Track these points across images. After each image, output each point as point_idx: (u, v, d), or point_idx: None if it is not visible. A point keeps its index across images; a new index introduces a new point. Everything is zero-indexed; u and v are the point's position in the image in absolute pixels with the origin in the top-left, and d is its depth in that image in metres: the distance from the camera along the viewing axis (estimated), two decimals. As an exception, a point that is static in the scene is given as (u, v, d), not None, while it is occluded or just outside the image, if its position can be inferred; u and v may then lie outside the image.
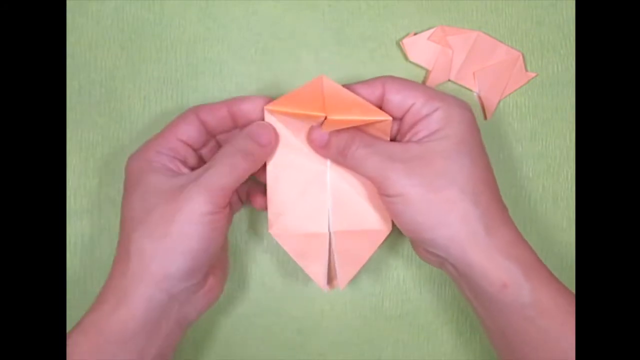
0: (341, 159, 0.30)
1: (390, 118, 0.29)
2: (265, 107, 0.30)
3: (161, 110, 0.36)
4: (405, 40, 0.36)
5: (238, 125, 0.31)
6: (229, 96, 0.36)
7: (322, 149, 0.30)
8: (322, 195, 0.31)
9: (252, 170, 0.29)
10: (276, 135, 0.30)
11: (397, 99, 0.30)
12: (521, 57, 0.36)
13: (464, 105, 0.30)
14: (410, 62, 0.36)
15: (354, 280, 0.36)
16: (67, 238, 0.36)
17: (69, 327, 0.28)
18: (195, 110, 0.31)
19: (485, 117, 0.36)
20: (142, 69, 0.36)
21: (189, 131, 0.30)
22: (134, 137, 0.36)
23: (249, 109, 0.30)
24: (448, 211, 0.28)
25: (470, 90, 0.36)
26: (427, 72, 0.36)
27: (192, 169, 0.30)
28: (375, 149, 0.29)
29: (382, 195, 0.29)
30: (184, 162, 0.30)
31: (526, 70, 0.36)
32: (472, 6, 0.37)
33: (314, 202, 0.31)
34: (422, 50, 0.36)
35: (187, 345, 0.36)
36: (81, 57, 0.36)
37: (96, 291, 0.29)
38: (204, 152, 0.32)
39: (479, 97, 0.36)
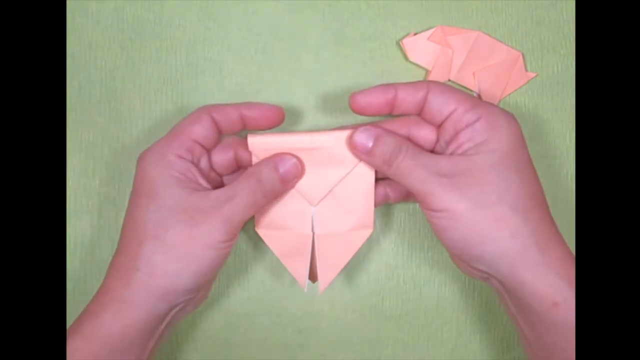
0: (385, 167, 0.29)
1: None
2: (248, 136, 0.30)
3: (161, 110, 0.36)
4: (405, 40, 0.36)
5: (247, 128, 0.31)
6: (229, 96, 0.36)
7: (366, 155, 0.29)
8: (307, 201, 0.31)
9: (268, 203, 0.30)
10: (303, 172, 0.30)
11: (439, 101, 0.29)
12: (521, 57, 0.36)
13: (509, 116, 0.29)
14: (410, 62, 0.36)
15: (354, 280, 0.36)
16: (67, 238, 0.36)
17: (68, 327, 0.28)
18: (208, 110, 0.30)
19: (485, 117, 0.36)
20: (142, 69, 0.36)
21: (204, 132, 0.30)
22: (134, 137, 0.36)
23: (258, 115, 0.31)
24: (497, 227, 0.27)
25: (470, 90, 0.36)
26: (427, 72, 0.36)
27: (203, 173, 0.30)
28: (421, 161, 0.28)
29: (426, 210, 0.28)
30: (197, 165, 0.30)
31: (526, 70, 0.36)
32: (472, 6, 0.37)
33: (299, 205, 0.31)
34: (422, 50, 0.36)
35: (187, 345, 0.36)
36: (81, 57, 0.36)
37: (96, 291, 0.29)
38: (215, 156, 0.32)
39: (479, 97, 0.36)
